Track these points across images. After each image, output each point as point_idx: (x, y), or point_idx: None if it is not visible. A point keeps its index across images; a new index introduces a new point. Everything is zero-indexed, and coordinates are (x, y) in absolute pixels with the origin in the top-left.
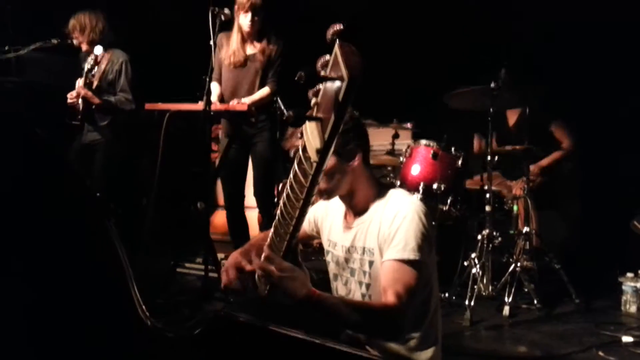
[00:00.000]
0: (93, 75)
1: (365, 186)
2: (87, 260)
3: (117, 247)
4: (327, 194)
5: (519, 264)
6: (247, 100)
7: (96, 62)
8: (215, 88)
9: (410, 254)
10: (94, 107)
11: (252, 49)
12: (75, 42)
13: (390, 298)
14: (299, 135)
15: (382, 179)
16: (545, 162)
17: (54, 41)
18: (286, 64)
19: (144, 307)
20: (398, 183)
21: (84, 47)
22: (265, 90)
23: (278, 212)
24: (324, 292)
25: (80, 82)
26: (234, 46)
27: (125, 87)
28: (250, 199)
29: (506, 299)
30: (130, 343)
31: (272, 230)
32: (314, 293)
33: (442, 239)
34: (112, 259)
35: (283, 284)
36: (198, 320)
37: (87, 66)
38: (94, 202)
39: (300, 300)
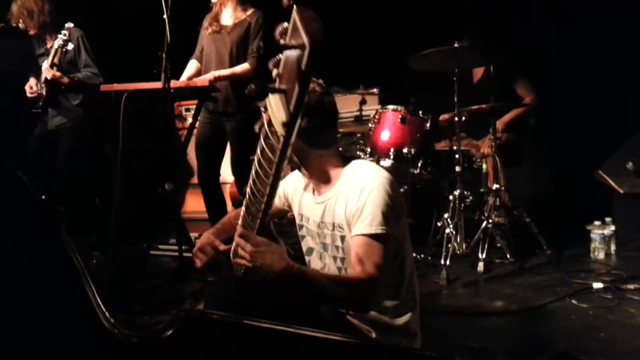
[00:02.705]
0: (65, 52)
1: (330, 162)
2: (36, 271)
3: (70, 252)
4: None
5: (490, 221)
6: (218, 73)
7: (69, 39)
8: (190, 66)
9: (378, 228)
10: (63, 87)
11: (228, 19)
12: (21, 26)
13: (361, 273)
14: (263, 109)
15: (353, 147)
16: (507, 117)
17: None
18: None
19: (106, 313)
20: (369, 150)
21: (32, 31)
22: (244, 66)
23: (248, 190)
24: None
25: (46, 64)
26: (211, 15)
27: (88, 61)
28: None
29: (480, 256)
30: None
31: (243, 208)
32: (292, 266)
33: (414, 202)
34: (65, 267)
35: (260, 259)
36: (169, 322)
37: (57, 44)
38: (40, 207)
39: (280, 273)
